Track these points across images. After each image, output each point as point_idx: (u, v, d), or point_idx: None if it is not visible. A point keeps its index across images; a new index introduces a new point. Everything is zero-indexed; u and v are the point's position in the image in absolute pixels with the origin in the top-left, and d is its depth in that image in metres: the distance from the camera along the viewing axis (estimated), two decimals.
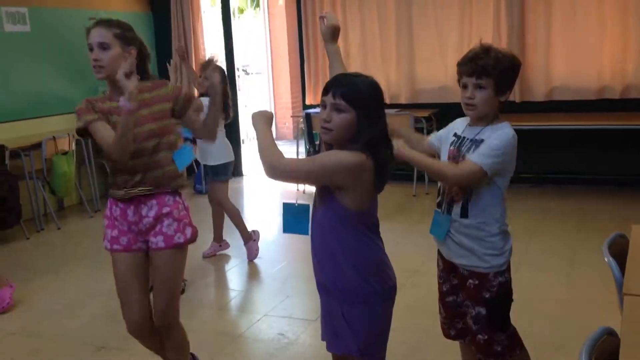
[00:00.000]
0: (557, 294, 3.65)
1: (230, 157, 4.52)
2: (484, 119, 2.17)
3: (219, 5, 7.80)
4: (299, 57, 7.47)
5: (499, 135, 2.11)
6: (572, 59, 6.00)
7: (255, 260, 4.60)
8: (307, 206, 2.00)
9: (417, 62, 6.64)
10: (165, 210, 2.44)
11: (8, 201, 5.11)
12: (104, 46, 2.34)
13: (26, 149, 5.57)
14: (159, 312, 2.50)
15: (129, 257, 2.47)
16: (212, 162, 4.44)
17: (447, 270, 2.32)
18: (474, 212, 2.16)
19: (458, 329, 2.35)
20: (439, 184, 2.29)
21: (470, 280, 2.21)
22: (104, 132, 2.34)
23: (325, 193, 1.89)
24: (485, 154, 2.09)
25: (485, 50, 2.12)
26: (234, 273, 4.52)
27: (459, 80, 2.18)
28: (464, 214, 2.16)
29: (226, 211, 4.57)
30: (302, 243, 4.95)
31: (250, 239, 4.60)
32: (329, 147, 1.91)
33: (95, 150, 6.19)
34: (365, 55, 6.87)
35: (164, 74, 7.92)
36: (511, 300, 2.25)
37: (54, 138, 5.70)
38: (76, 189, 6.20)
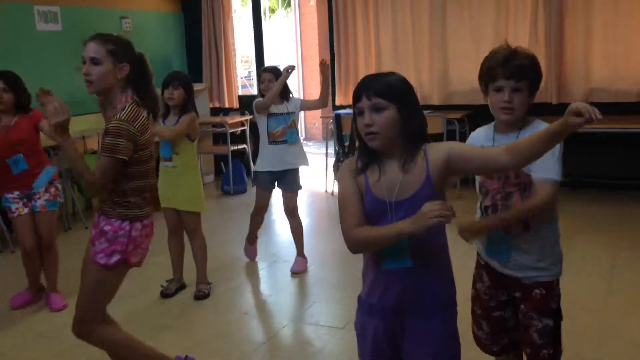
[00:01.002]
0: (597, 304, 3.50)
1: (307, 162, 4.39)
2: (516, 124, 2.06)
3: (250, 5, 7.75)
4: (328, 57, 7.39)
5: None
6: (611, 61, 5.79)
7: (281, 265, 4.52)
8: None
9: (450, 63, 6.49)
10: (106, 227, 2.47)
11: None
12: (95, 61, 2.39)
13: (56, 148, 5.57)
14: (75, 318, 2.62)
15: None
16: (305, 163, 4.31)
17: (495, 285, 2.18)
18: (536, 222, 2.05)
19: (503, 344, 2.24)
20: (480, 197, 2.16)
21: (537, 290, 2.09)
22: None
23: (425, 192, 1.72)
24: (553, 165, 1.99)
25: (513, 51, 2.03)
26: (260, 277, 4.44)
27: (486, 84, 2.06)
28: (525, 226, 2.06)
29: (296, 221, 4.38)
30: (328, 248, 4.92)
31: (303, 254, 4.43)
32: (371, 153, 1.78)
33: None
34: (397, 55, 6.75)
35: (194, 73, 7.93)
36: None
37: (83, 137, 5.71)
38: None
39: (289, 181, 4.30)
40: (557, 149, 1.97)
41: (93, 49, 2.38)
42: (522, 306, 2.13)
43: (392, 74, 1.81)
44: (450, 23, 6.44)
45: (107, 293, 2.59)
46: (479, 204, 2.18)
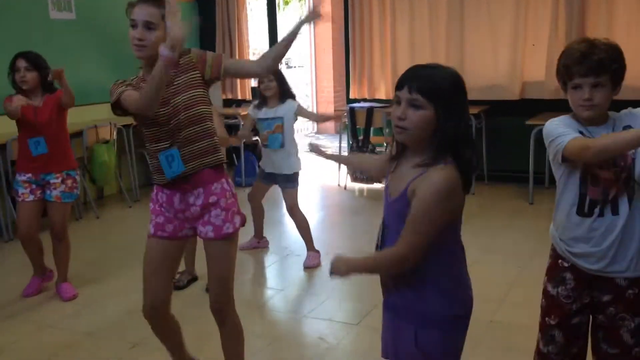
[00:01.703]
0: None
1: (301, 165, 4.32)
2: (599, 119, 1.96)
3: None
4: (343, 50, 7.31)
5: None
6: (634, 56, 5.67)
7: (293, 259, 4.46)
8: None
9: (467, 58, 6.38)
10: (212, 199, 2.34)
11: None
12: (150, 25, 2.23)
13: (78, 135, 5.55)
14: (213, 296, 2.49)
15: (169, 244, 2.42)
16: (287, 171, 4.23)
17: (582, 287, 2.06)
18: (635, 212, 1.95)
19: (572, 354, 2.12)
20: (576, 188, 2.01)
21: (630, 291, 2.00)
22: (134, 95, 2.23)
23: (400, 202, 1.69)
24: None
25: (591, 44, 1.92)
26: (272, 271, 4.38)
27: (564, 82, 1.96)
28: (615, 210, 1.95)
29: (298, 218, 4.34)
30: (342, 242, 4.85)
31: (314, 248, 4.41)
32: (400, 146, 1.74)
33: (136, 139, 6.14)
34: (413, 49, 6.65)
35: None
36: None
37: (95, 127, 5.66)
38: (116, 179, 6.16)
39: (282, 180, 4.29)
40: None
41: (149, 12, 2.20)
42: (610, 309, 2.03)
43: (444, 69, 1.69)
44: (468, 17, 6.33)
45: (234, 261, 2.51)
46: (573, 197, 2.01)
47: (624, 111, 1.99)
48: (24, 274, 4.04)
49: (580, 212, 1.99)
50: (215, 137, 2.39)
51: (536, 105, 5.86)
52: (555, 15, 5.85)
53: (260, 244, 4.64)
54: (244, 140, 4.45)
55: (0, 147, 4.97)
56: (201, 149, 2.32)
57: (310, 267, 4.27)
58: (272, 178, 4.32)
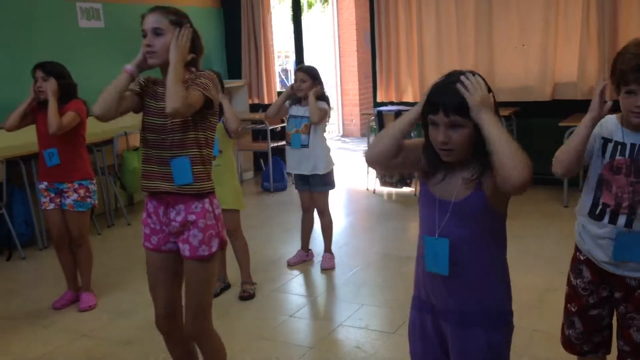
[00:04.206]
0: None
1: (326, 168, 4.23)
2: None
3: (288, 0, 7.67)
4: (367, 53, 7.26)
5: None
6: None
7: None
8: (446, 241, 1.71)
9: (496, 59, 6.29)
10: (191, 218, 2.32)
11: None
12: (157, 32, 2.26)
13: (98, 145, 5.59)
14: (186, 320, 2.43)
15: (157, 256, 2.42)
16: (322, 171, 4.16)
17: (597, 282, 2.13)
18: None
19: (595, 342, 2.19)
20: (592, 192, 2.06)
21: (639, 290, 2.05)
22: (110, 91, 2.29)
23: (475, 200, 1.67)
24: None
25: None
26: (304, 278, 4.34)
27: (618, 84, 1.95)
28: (629, 223, 1.98)
29: (326, 221, 4.32)
30: (371, 248, 4.80)
31: (331, 250, 4.40)
32: (438, 161, 1.73)
33: None
34: (440, 49, 6.58)
35: (233, 69, 7.87)
36: None
37: (125, 134, 5.69)
38: None
39: (314, 182, 4.23)
40: None
41: (155, 20, 2.26)
42: (621, 307, 2.09)
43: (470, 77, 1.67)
44: (496, 18, 6.24)
45: (211, 284, 2.47)
46: (589, 198, 2.08)
47: None
48: (58, 283, 4.06)
49: (592, 214, 2.06)
50: (203, 165, 2.34)
51: (569, 106, 5.75)
52: (586, 14, 5.74)
53: (308, 256, 4.53)
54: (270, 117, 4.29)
55: (35, 156, 5.01)
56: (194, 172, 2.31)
57: (328, 269, 4.30)
58: (305, 181, 4.25)
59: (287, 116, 4.25)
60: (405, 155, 1.79)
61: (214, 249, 2.36)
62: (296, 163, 4.20)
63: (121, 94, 2.27)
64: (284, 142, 7.15)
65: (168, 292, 2.45)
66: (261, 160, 7.52)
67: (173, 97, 2.15)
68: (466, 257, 1.70)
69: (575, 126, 2.07)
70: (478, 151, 1.64)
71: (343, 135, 10.68)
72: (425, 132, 1.72)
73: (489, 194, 1.66)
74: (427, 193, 1.77)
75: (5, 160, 4.74)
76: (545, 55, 6.02)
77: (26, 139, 3.84)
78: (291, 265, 4.44)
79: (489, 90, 1.66)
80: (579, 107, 5.55)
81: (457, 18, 6.44)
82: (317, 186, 4.23)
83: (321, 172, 4.17)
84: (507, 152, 1.54)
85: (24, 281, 4.49)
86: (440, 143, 1.65)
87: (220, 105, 3.47)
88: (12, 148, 4.90)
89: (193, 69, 2.37)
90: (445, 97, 1.63)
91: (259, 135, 7.50)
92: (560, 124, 5.35)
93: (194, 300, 2.39)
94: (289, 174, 4.35)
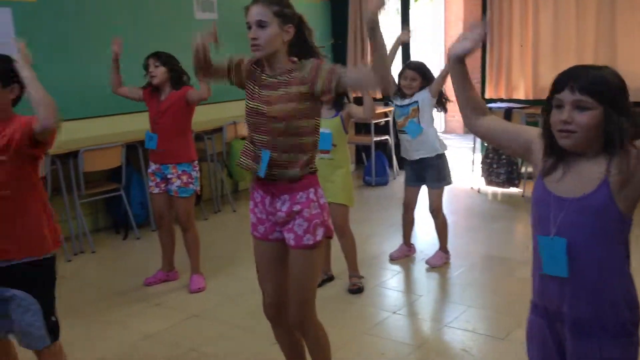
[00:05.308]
0: None
1: (443, 148, 4.17)
2: None
3: None
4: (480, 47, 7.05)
5: None
6: None
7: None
8: (564, 241, 1.63)
9: (619, 59, 5.91)
10: (296, 208, 2.33)
11: None
12: (262, 24, 2.25)
13: (209, 132, 5.77)
14: (291, 309, 2.44)
15: (264, 245, 2.46)
16: (428, 154, 4.08)
17: None
18: None
19: None
20: None
21: None
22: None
23: (598, 197, 1.58)
24: None
25: None
26: (407, 275, 4.29)
27: None
28: None
29: (440, 219, 4.25)
30: (477, 249, 4.67)
31: (444, 248, 4.33)
32: (558, 151, 1.63)
33: None
34: (557, 46, 6.28)
35: (338, 63, 7.88)
36: None
37: (234, 123, 5.85)
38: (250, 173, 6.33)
39: (429, 178, 4.15)
40: None
41: (259, 12, 2.24)
42: None
43: (604, 68, 1.61)
44: (620, 15, 5.88)
45: (315, 274, 2.49)
46: None
47: None
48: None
49: None
50: (309, 153, 2.35)
51: None
52: None
53: (410, 251, 4.51)
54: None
55: None
56: (287, 160, 2.31)
57: (433, 265, 4.24)
58: (421, 176, 4.19)
59: (394, 107, 4.22)
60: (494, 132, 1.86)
61: (318, 238, 2.36)
62: (414, 149, 4.13)
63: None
64: (386, 137, 7.17)
65: (275, 280, 2.48)
66: (363, 154, 7.51)
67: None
68: (583, 258, 1.61)
69: None
70: (607, 142, 1.55)
71: (445, 132, 10.48)
72: (546, 122, 1.64)
73: (615, 191, 1.55)
74: (543, 190, 1.68)
75: (125, 144, 5.00)
76: None
77: (145, 125, 4.03)
78: (393, 259, 4.41)
79: (625, 88, 1.58)
80: None
81: (577, 14, 6.12)
82: (432, 182, 4.16)
83: (440, 152, 4.12)
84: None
85: (138, 260, 4.73)
86: (561, 122, 1.56)
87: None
88: (132, 133, 5.17)
89: (295, 59, 2.34)
90: (574, 74, 1.58)
91: (362, 128, 7.49)
92: None
93: (298, 289, 2.41)
94: (401, 164, 4.31)
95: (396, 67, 4.73)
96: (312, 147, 2.37)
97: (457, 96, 1.88)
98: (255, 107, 2.34)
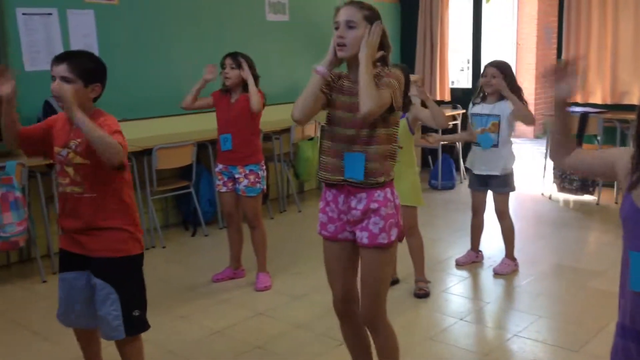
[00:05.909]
0: None
1: (512, 167, 4.12)
2: None
3: None
4: (549, 49, 6.84)
5: None
6: None
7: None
8: None
9: None
10: (374, 206, 2.33)
11: None
12: (350, 24, 2.27)
13: (277, 133, 5.84)
14: (363, 307, 2.45)
15: (333, 245, 2.46)
16: (496, 172, 4.02)
17: None
18: None
19: None
20: None
21: None
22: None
23: None
24: None
25: None
26: (474, 281, 4.21)
27: None
28: None
29: (506, 225, 4.19)
30: (546, 258, 4.52)
31: (513, 257, 4.24)
32: None
33: None
34: (637, 57, 6.02)
35: (407, 64, 7.82)
36: None
37: None
38: (316, 174, 6.36)
39: (495, 183, 4.07)
40: None
41: (349, 13, 2.28)
42: None
43: None
44: None
45: (388, 273, 2.51)
46: None
47: None
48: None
49: None
50: (389, 160, 2.35)
51: None
52: None
53: (477, 257, 4.43)
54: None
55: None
56: (370, 168, 2.32)
57: (501, 274, 4.15)
58: (484, 182, 4.12)
59: (470, 114, 4.14)
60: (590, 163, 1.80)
61: (392, 238, 2.36)
62: (482, 163, 4.08)
63: (315, 96, 2.31)
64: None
65: (344, 279, 2.49)
66: (429, 157, 7.42)
67: (367, 98, 2.18)
68: None
69: None
70: None
71: (513, 136, 10.20)
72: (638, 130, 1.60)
73: None
74: (630, 205, 1.61)
75: (197, 143, 5.12)
76: None
77: (214, 124, 4.12)
78: (460, 265, 4.34)
79: None
80: None
81: None
82: (497, 187, 4.08)
83: (509, 171, 4.04)
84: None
85: (206, 257, 4.83)
86: None
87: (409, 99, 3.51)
88: (203, 132, 5.29)
89: (379, 64, 2.36)
90: None
91: (428, 131, 7.38)
92: None
93: (370, 288, 2.41)
94: (467, 169, 4.26)
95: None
96: (389, 155, 2.37)
97: (554, 138, 1.90)
98: (340, 116, 2.35)
